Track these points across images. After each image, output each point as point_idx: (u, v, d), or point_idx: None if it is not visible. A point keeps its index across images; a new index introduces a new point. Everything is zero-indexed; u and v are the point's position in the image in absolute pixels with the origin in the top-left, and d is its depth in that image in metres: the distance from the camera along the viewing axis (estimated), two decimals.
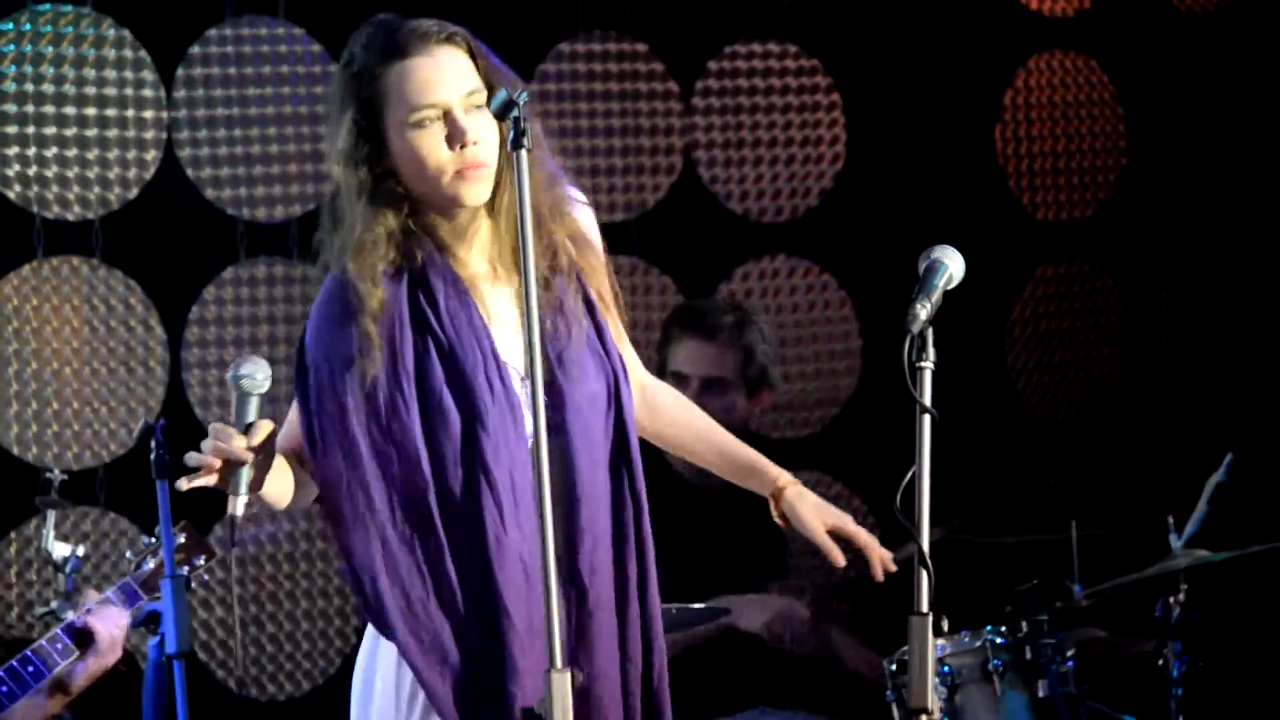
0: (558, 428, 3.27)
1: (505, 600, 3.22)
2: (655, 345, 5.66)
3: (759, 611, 5.38)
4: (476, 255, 3.35)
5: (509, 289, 3.34)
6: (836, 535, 3.47)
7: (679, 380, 5.41)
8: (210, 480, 3.13)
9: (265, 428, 3.15)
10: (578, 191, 3.45)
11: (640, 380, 3.53)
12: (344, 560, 3.28)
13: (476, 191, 3.28)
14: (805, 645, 5.44)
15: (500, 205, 3.31)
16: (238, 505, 3.14)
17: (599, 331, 3.37)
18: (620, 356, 3.39)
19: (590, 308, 3.37)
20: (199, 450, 3.12)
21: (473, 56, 3.29)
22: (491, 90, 3.23)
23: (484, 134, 3.26)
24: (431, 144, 3.26)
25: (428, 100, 3.25)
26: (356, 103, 3.29)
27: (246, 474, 3.14)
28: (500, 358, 3.28)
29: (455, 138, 3.25)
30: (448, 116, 3.25)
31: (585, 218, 3.43)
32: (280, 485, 3.25)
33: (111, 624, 4.17)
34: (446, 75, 3.26)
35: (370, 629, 3.33)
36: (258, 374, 3.15)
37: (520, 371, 3.30)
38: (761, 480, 3.57)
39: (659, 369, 5.53)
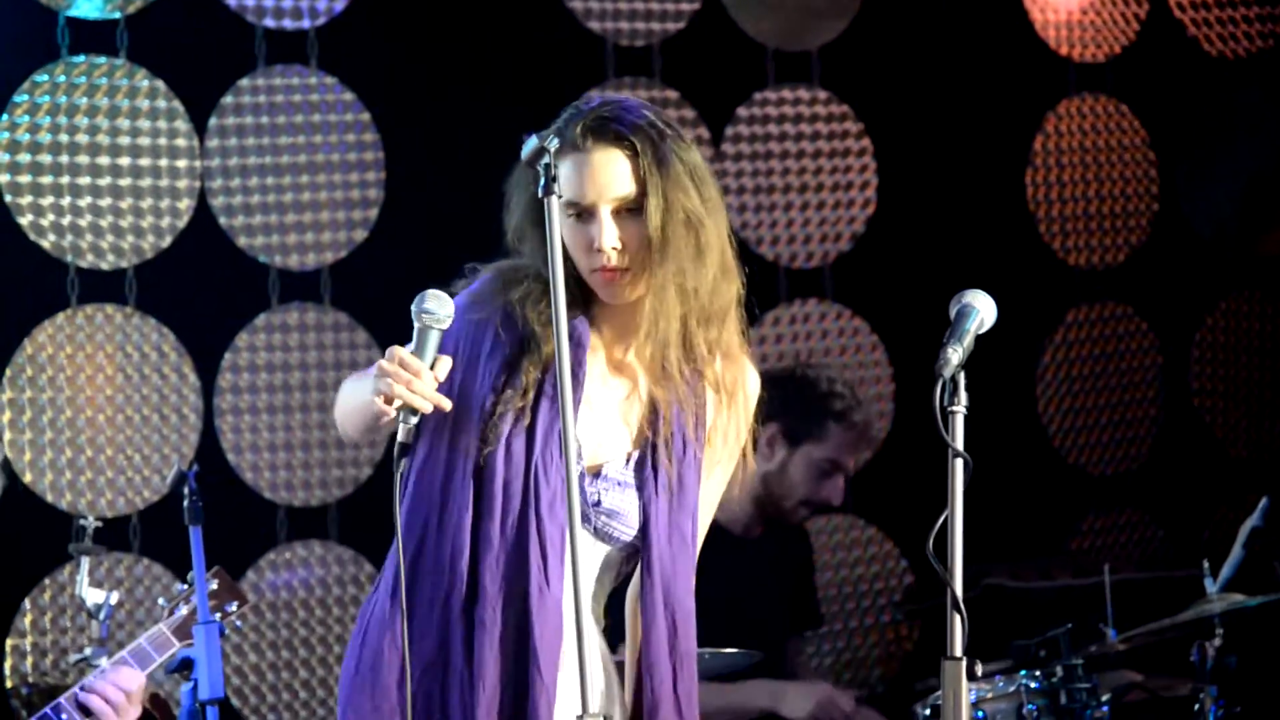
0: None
1: (539, 653, 3.21)
2: None
3: (803, 699, 5.39)
4: (613, 337, 3.34)
5: (633, 380, 3.35)
6: None
7: (832, 470, 5.53)
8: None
9: (446, 364, 3.19)
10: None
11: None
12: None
13: (610, 293, 3.28)
14: None
15: (657, 309, 3.28)
16: (409, 433, 3.17)
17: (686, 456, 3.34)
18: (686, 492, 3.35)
19: (696, 429, 3.35)
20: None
21: (636, 158, 3.26)
22: (645, 194, 3.23)
23: (622, 241, 3.25)
24: (577, 237, 3.26)
25: (572, 198, 3.23)
26: (532, 179, 3.25)
27: (421, 403, 3.16)
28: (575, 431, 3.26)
29: (593, 241, 3.25)
30: (590, 216, 3.24)
31: (750, 381, 3.40)
32: None
33: (119, 689, 4.15)
34: (598, 177, 3.24)
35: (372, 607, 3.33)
36: (440, 310, 3.18)
37: (579, 455, 3.29)
38: None
39: (790, 440, 5.55)
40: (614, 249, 3.24)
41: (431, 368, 3.16)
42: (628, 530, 3.31)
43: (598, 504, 3.29)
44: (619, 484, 3.31)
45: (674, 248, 3.24)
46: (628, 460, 3.32)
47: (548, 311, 3.22)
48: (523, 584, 3.22)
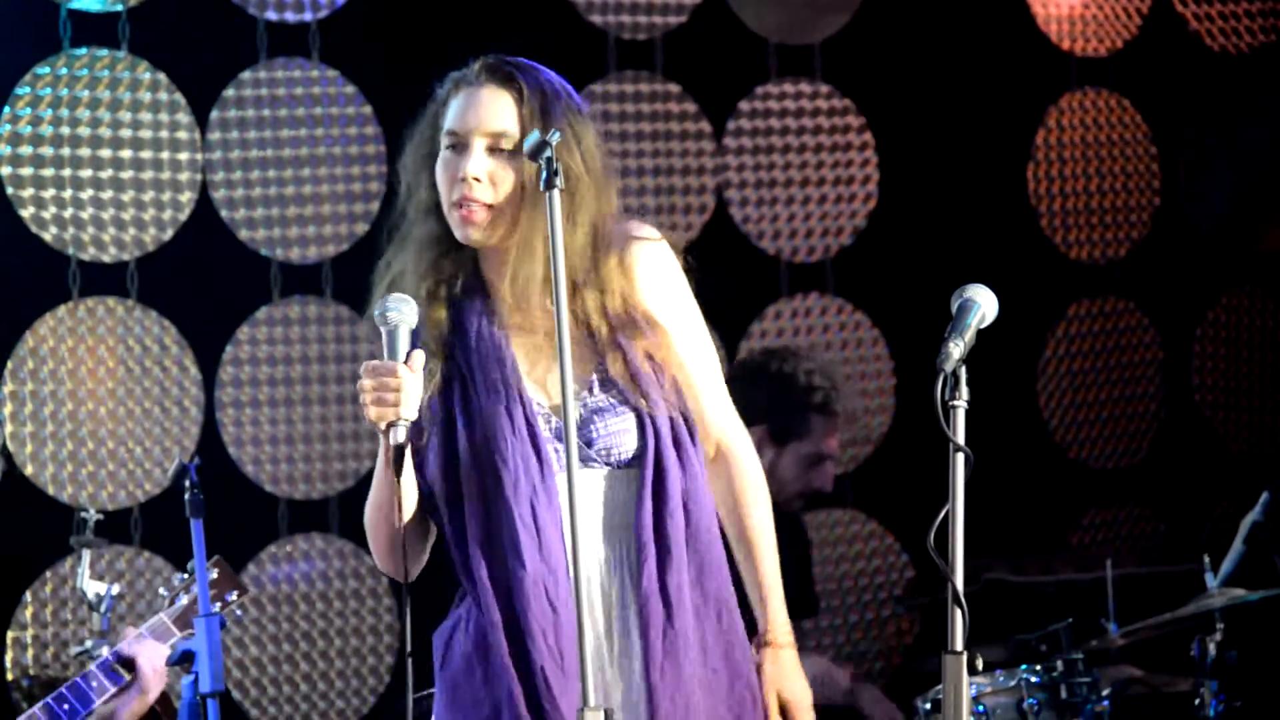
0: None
1: (532, 635, 3.22)
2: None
3: None
4: (497, 282, 3.35)
5: (545, 330, 3.33)
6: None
7: (819, 460, 5.52)
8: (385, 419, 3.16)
9: (420, 357, 3.19)
10: (648, 229, 3.43)
11: (715, 444, 3.44)
12: None
13: (466, 232, 3.30)
14: (836, 704, 5.46)
15: (522, 252, 3.30)
16: (400, 434, 3.17)
17: (638, 397, 3.32)
18: (665, 425, 3.33)
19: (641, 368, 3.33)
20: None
21: (521, 103, 3.30)
22: (524, 140, 3.23)
23: (489, 175, 3.28)
24: (448, 168, 3.31)
25: (451, 126, 3.31)
26: (428, 125, 3.37)
27: (409, 407, 3.17)
28: (525, 393, 3.29)
29: (459, 170, 3.28)
30: (465, 149, 3.29)
31: (647, 264, 3.41)
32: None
33: (153, 659, 4.16)
34: (479, 110, 3.30)
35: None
36: (404, 306, 3.20)
37: (545, 409, 3.30)
38: (759, 618, 3.51)
39: (777, 441, 5.55)
40: (476, 179, 3.26)
41: (405, 362, 3.17)
42: (615, 445, 3.30)
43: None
44: (595, 410, 3.30)
45: (544, 201, 3.21)
46: (590, 389, 3.31)
47: (418, 276, 3.30)
48: (505, 572, 3.23)
